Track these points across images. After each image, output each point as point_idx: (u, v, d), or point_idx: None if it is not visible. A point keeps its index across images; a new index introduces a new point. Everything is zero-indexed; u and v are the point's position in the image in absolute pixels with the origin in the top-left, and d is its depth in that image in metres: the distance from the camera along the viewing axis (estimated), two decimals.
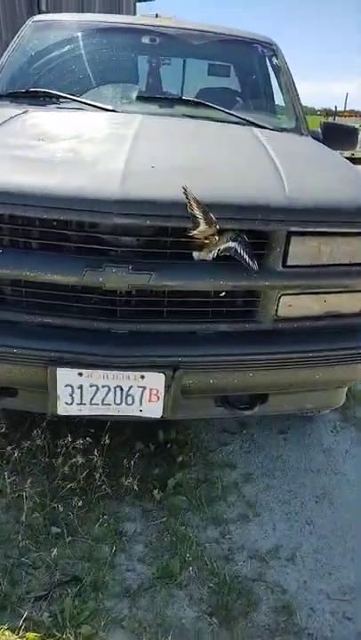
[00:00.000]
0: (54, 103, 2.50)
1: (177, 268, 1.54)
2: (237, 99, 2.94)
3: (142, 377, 1.55)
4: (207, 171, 1.67)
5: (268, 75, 2.93)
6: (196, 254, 1.55)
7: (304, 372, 1.71)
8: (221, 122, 2.46)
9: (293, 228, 1.55)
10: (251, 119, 2.51)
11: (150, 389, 1.58)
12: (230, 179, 1.65)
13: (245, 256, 1.51)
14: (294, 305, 1.67)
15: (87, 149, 1.77)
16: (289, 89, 2.79)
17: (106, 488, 1.89)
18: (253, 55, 2.96)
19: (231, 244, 1.52)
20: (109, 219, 1.46)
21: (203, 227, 1.48)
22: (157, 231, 1.54)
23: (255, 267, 1.52)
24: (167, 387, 1.57)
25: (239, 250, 1.51)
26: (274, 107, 2.88)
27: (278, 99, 2.91)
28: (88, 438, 1.93)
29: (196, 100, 2.55)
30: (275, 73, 2.89)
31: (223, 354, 1.60)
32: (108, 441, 1.94)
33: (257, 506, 1.97)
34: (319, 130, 2.77)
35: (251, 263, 1.51)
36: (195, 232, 1.49)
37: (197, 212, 1.46)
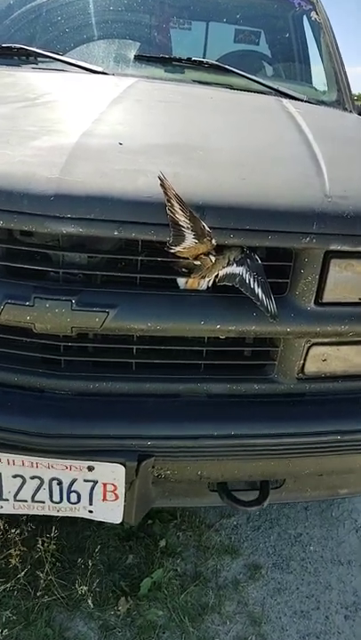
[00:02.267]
0: (32, 63, 1.96)
1: (150, 301, 0.98)
2: (266, 64, 2.34)
3: (90, 468, 1.02)
4: (205, 153, 1.10)
5: (305, 35, 2.33)
6: (181, 281, 1.00)
7: (343, 458, 1.15)
8: (242, 91, 1.89)
9: (336, 246, 0.98)
10: (281, 88, 1.92)
11: (104, 484, 1.04)
12: (239, 166, 1.08)
13: (257, 289, 0.95)
14: (331, 359, 1.11)
15: (36, 117, 1.22)
16: (331, 52, 2.19)
17: (55, 591, 1.37)
18: (288, 10, 2.35)
19: (236, 268, 0.96)
20: (41, 223, 0.91)
21: (190, 241, 0.93)
22: (120, 245, 0.99)
23: (272, 307, 0.95)
24: (129, 483, 1.03)
25: (247, 278, 0.95)
26: (310, 74, 2.28)
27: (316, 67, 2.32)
28: (31, 524, 1.41)
29: (209, 61, 1.96)
30: (313, 32, 2.28)
31: (220, 434, 1.05)
32: (56, 533, 1.41)
33: (263, 621, 1.42)
34: None
35: (265, 300, 0.95)
36: (178, 249, 0.94)
37: (181, 219, 0.91)
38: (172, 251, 0.94)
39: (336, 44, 2.25)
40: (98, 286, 0.98)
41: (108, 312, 0.95)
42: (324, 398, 1.14)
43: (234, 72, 1.93)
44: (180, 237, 0.92)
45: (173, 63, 2.01)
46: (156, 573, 1.46)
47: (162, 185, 0.89)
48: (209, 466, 1.08)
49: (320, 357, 1.10)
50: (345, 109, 2.01)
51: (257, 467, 1.11)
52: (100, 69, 1.85)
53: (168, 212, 0.90)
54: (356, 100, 2.22)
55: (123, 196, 0.91)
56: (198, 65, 1.98)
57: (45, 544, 1.38)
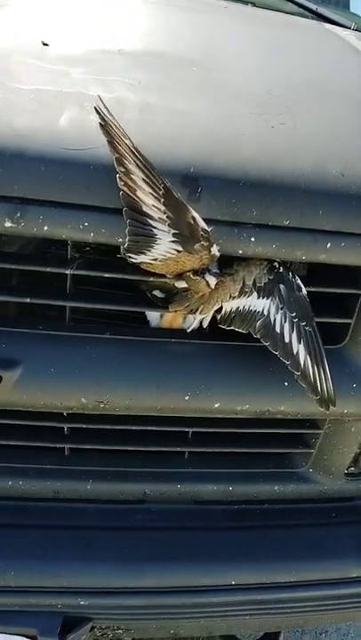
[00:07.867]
0: None
1: (87, 355, 0.52)
2: None
3: None
4: (204, 72, 0.60)
5: None
6: (153, 316, 0.54)
7: None
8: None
9: None
10: (320, 10, 1.39)
11: None
12: (268, 101, 0.59)
13: (297, 346, 0.49)
14: None
15: None
16: None
17: None
18: None
19: (257, 301, 0.50)
20: None
21: (166, 246, 0.46)
22: (35, 246, 0.52)
23: (325, 386, 0.49)
24: None
25: (279, 323, 0.49)
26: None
27: None
28: None
29: None
30: None
31: (211, 586, 0.59)
32: None
33: None
34: None
35: (311, 370, 0.49)
36: (142, 259, 0.47)
37: (148, 201, 0.43)
38: (131, 261, 0.47)
39: None
40: None
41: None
42: None
43: None
44: (145, 238, 0.45)
45: None
46: None
47: (103, 126, 0.41)
48: (190, 625, 0.64)
49: None
50: None
51: (268, 622, 0.66)
52: None
53: (120, 184, 0.42)
54: None
55: (26, 146, 0.43)
56: None
57: None
